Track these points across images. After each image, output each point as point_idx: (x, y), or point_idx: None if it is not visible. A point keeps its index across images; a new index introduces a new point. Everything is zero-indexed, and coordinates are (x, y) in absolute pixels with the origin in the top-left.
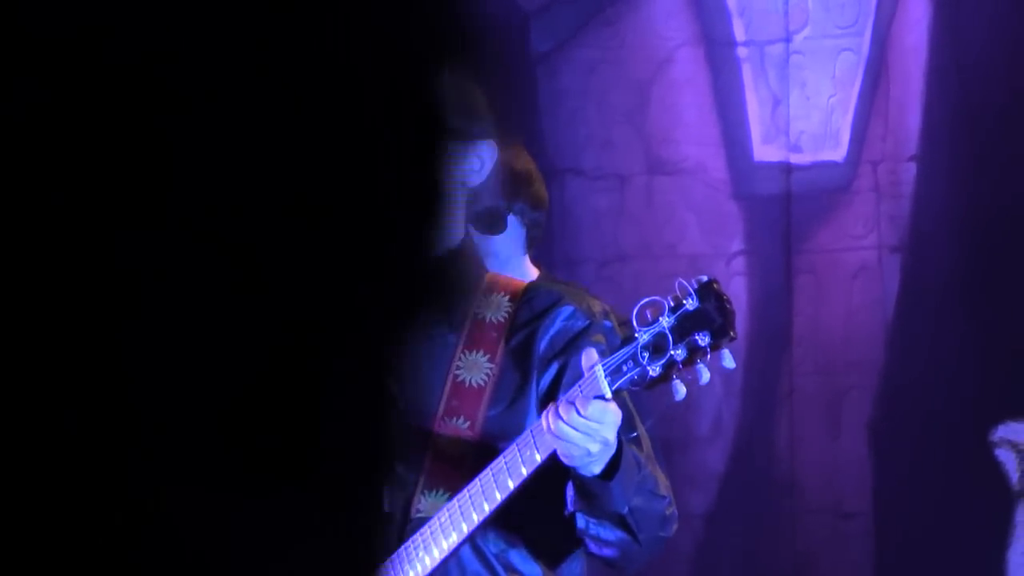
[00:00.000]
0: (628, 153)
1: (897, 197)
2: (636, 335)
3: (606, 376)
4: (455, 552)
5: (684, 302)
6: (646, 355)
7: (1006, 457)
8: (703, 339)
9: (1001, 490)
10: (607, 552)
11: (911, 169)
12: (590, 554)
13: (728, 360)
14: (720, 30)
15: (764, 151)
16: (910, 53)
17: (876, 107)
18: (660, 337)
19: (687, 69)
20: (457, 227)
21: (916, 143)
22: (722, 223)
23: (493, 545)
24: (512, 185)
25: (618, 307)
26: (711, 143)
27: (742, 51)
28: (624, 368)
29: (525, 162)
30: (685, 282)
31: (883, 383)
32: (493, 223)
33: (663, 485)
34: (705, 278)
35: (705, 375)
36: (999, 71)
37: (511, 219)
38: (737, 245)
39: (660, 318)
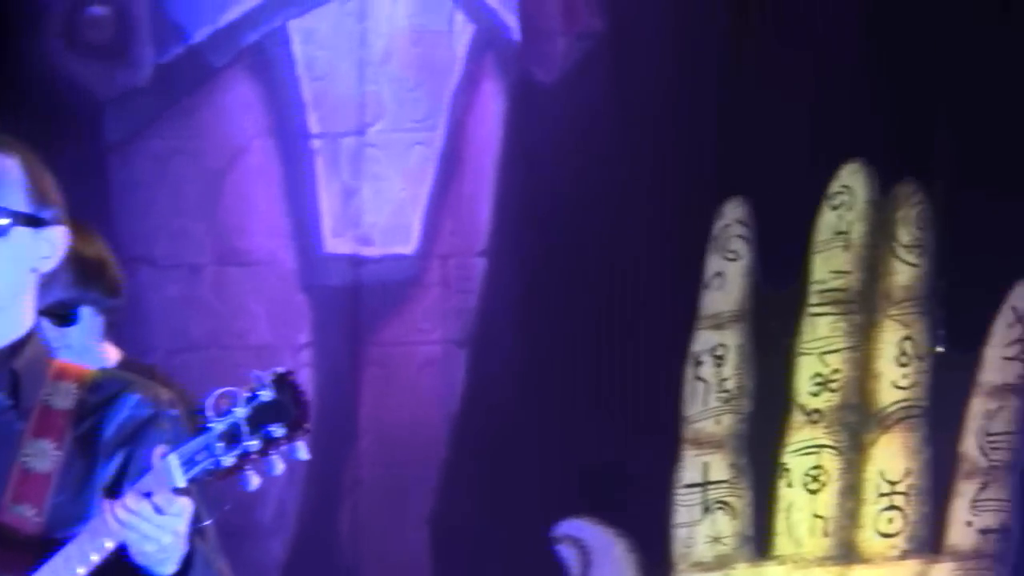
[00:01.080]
0: (199, 243)
1: (465, 292)
2: (210, 425)
3: (180, 465)
4: None
5: (259, 393)
6: (220, 445)
7: (567, 554)
8: (278, 430)
9: None
10: None
11: (480, 264)
12: None
13: (302, 452)
14: (294, 122)
15: (335, 243)
16: (483, 148)
17: (448, 201)
18: (235, 427)
19: (260, 160)
20: (27, 315)
21: (486, 238)
22: (290, 314)
23: None
24: (85, 275)
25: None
26: (282, 234)
27: (316, 143)
28: (197, 458)
29: (98, 250)
30: (260, 373)
31: (446, 477)
32: (65, 316)
33: None
34: (281, 370)
35: (278, 466)
36: (568, 165)
37: (85, 310)
38: (305, 337)
39: (235, 408)
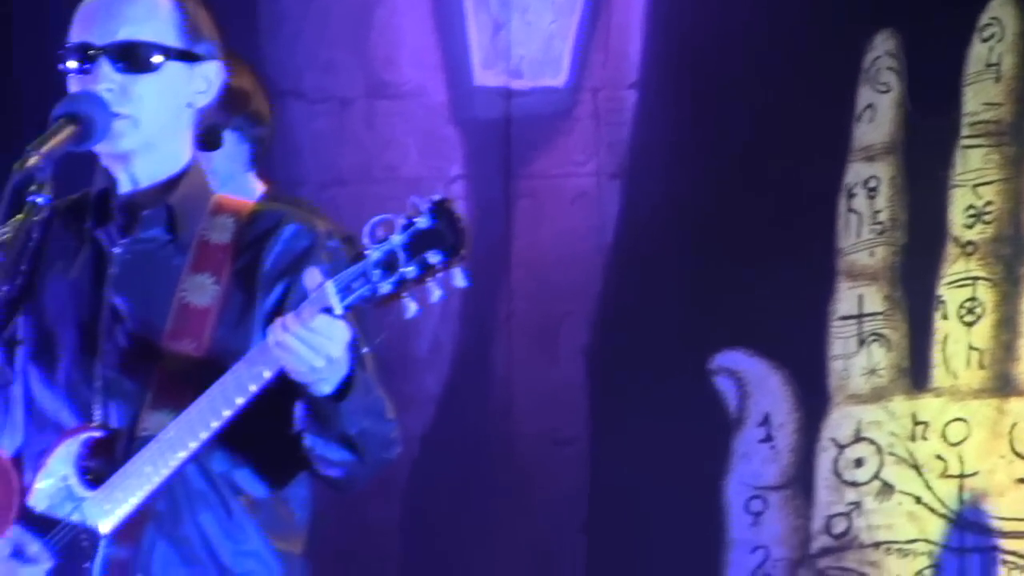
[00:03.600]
0: (349, 76)
1: (617, 124)
2: (367, 252)
3: (337, 292)
4: (180, 469)
5: (416, 220)
6: (377, 272)
7: (725, 385)
8: (435, 257)
9: (720, 418)
10: (332, 472)
11: (631, 96)
12: (315, 474)
13: (459, 279)
14: None
15: (485, 76)
16: None
17: (597, 34)
18: (392, 255)
19: None
20: (184, 150)
21: (637, 70)
22: (442, 147)
23: (218, 464)
24: (230, 101)
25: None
26: (432, 67)
27: None
28: (355, 285)
29: (245, 78)
30: (418, 200)
31: (600, 309)
32: (210, 140)
33: (389, 408)
34: (438, 196)
35: (436, 293)
36: None
37: (231, 135)
38: (457, 169)
39: (392, 235)
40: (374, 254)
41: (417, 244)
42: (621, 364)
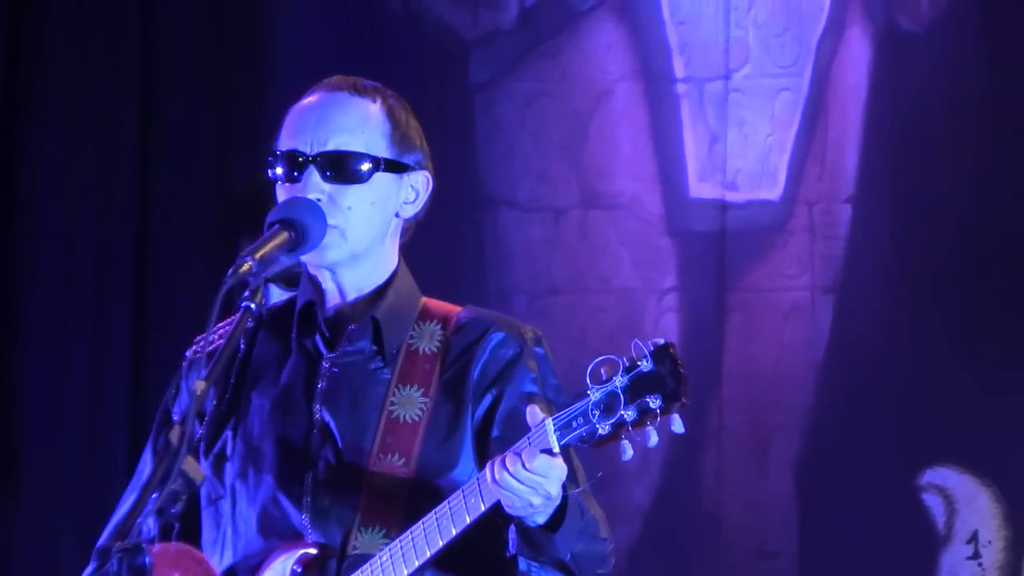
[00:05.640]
0: (563, 186)
1: (832, 238)
2: (588, 392)
3: (555, 431)
4: None
5: (639, 363)
6: (597, 413)
7: (933, 502)
8: (654, 402)
9: (927, 535)
10: None
11: (847, 211)
12: None
13: (677, 425)
14: (660, 66)
15: (700, 188)
16: (849, 94)
17: (813, 148)
18: (612, 396)
19: (626, 104)
20: (391, 259)
21: (852, 185)
22: (656, 259)
23: None
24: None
25: (549, 339)
26: (647, 178)
27: (681, 87)
28: (574, 424)
29: None
30: (641, 343)
31: (811, 424)
32: (292, 283)
33: (603, 527)
34: (662, 341)
35: (653, 438)
36: (934, 113)
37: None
38: (670, 281)
39: (614, 377)
40: (594, 395)
41: (637, 388)
42: (831, 478)
